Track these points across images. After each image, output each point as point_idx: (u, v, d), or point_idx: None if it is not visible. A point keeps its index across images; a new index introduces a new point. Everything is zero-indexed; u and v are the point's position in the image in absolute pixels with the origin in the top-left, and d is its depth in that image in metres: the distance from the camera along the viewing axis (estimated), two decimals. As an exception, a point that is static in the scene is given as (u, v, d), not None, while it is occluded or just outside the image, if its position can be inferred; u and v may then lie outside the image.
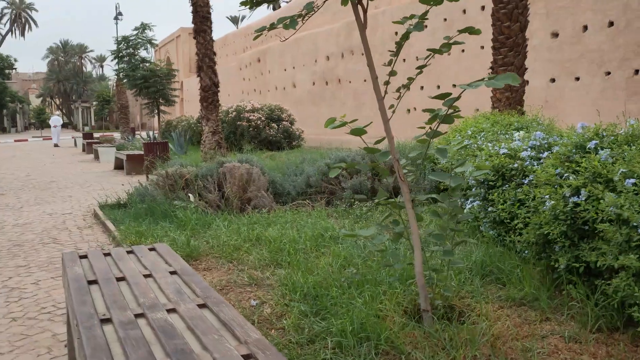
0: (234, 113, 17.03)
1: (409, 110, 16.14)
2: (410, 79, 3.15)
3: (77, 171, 14.73)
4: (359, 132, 3.33)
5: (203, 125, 13.96)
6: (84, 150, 23.56)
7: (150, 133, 23.67)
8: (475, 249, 4.33)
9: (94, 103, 61.67)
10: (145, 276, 2.64)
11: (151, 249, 3.20)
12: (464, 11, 13.85)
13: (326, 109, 20.35)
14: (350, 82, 18.84)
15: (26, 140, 38.58)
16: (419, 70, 3.23)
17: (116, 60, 19.18)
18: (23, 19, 69.18)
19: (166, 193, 7.13)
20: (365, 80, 17.99)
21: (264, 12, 66.55)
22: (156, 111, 19.42)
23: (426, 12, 3.05)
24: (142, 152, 13.01)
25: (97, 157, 18.84)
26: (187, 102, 36.54)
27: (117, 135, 37.97)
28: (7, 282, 4.60)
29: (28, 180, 12.65)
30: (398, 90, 3.32)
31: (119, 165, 14.51)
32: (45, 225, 7.01)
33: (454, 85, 14.36)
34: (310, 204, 6.89)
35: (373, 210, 6.30)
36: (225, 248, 4.94)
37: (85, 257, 3.04)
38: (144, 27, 18.79)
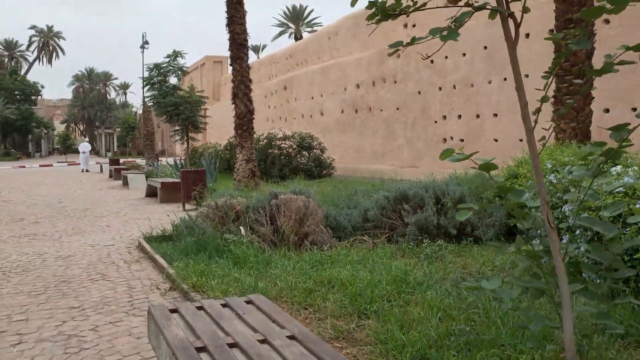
0: (265, 141, 16.70)
1: (445, 140, 15.68)
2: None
3: (109, 198, 14.41)
4: (487, 167, 2.84)
5: (237, 153, 13.61)
6: (111, 176, 23.36)
7: (177, 160, 23.43)
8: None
9: (117, 129, 62.16)
10: (260, 341, 2.17)
11: (248, 302, 2.73)
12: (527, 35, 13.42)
13: (355, 137, 19.97)
14: (381, 110, 18.47)
15: (51, 165, 38.70)
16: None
17: (148, 86, 19.03)
18: (51, 47, 70.46)
19: (216, 226, 6.69)
20: (398, 109, 17.60)
21: (286, 42, 67.05)
22: (185, 138, 19.16)
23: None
24: (176, 180, 12.65)
25: (125, 184, 18.56)
26: (211, 129, 36.46)
27: (139, 161, 37.97)
28: (62, 328, 4.15)
29: (62, 207, 12.33)
30: (546, 108, 2.83)
31: (151, 193, 14.16)
32: (90, 259, 6.58)
33: (495, 115, 13.91)
34: (369, 240, 6.40)
35: (444, 250, 5.78)
36: (297, 292, 4.45)
37: (175, 311, 2.58)
38: (175, 54, 18.68)
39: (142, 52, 44.25)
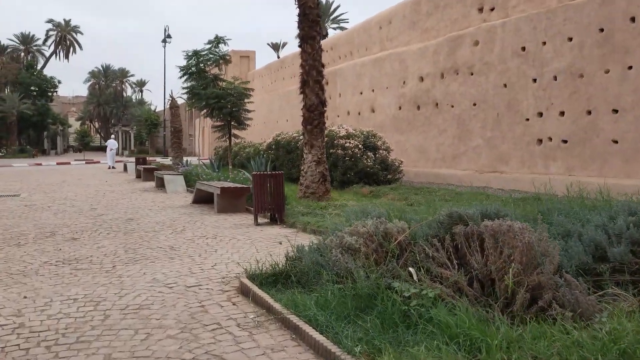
0: (325, 139, 14.27)
1: (540, 141, 13.17)
2: None
3: (148, 204, 12.03)
4: None
5: (305, 153, 11.22)
6: (139, 176, 21.03)
7: (211, 159, 21.08)
8: None
9: (134, 127, 60.10)
10: None
11: None
12: (633, 19, 10.97)
13: (417, 136, 17.50)
14: (452, 106, 15.98)
15: (68, 163, 36.53)
16: None
17: (185, 76, 16.66)
18: (68, 42, 68.33)
19: (369, 264, 4.26)
20: (474, 104, 15.12)
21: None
22: (227, 135, 16.78)
23: None
24: (240, 186, 10.27)
25: (160, 186, 16.20)
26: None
27: (160, 160, 35.69)
28: None
29: (98, 216, 9.95)
30: None
31: (200, 199, 11.77)
32: (177, 315, 4.16)
33: (615, 111, 11.41)
34: (629, 296, 3.93)
35: None
36: None
37: None
38: (218, 40, 16.30)
39: (164, 46, 42.11)
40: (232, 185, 10.44)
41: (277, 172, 8.60)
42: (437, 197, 10.75)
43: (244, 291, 4.61)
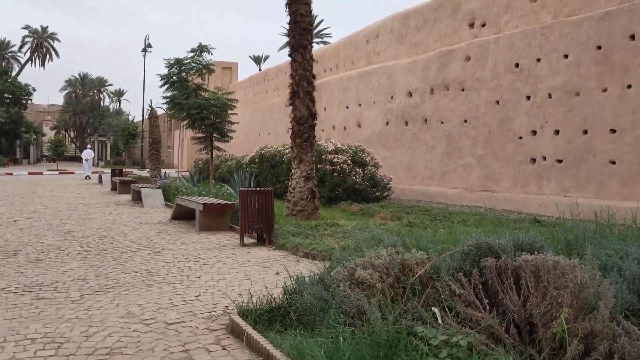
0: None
1: (534, 160, 12.75)
2: None
3: (123, 219, 11.23)
4: None
5: (293, 168, 10.57)
6: (114, 189, 20.11)
7: (191, 172, 20.29)
8: None
9: (111, 137, 58.80)
10: None
11: None
12: (633, 37, 10.64)
13: (404, 153, 16.99)
14: (442, 122, 15.54)
15: (41, 173, 35.21)
16: None
17: (166, 85, 15.92)
18: (44, 49, 66.73)
19: (384, 301, 3.62)
20: (465, 121, 14.68)
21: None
22: (209, 147, 16.03)
23: None
24: (225, 202, 9.56)
25: (137, 200, 15.37)
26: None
27: (137, 171, 34.65)
28: None
29: (67, 233, 9.13)
30: None
31: (180, 215, 11.01)
32: (156, 364, 3.46)
33: (613, 131, 11.03)
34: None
35: None
36: None
37: None
38: (201, 49, 15.61)
39: (144, 55, 41.21)
40: (215, 201, 9.71)
41: (265, 189, 7.92)
42: (431, 217, 10.19)
43: (235, 331, 3.92)
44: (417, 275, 3.71)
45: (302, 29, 10.16)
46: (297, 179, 10.39)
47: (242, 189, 7.93)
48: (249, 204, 7.78)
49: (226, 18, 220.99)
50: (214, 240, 8.37)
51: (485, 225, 9.19)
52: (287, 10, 10.27)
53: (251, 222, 7.78)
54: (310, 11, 10.25)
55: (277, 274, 5.13)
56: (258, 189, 7.93)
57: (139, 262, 6.65)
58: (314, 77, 10.51)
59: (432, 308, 3.54)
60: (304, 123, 10.34)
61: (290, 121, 10.56)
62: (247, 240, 8.05)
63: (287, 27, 10.42)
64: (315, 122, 10.54)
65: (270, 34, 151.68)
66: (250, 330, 3.70)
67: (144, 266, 6.42)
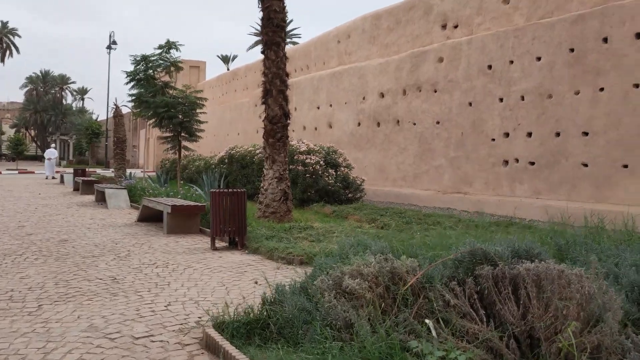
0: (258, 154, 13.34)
1: (506, 162, 12.71)
2: None
3: (86, 221, 10.68)
4: None
5: (265, 168, 10.23)
6: (76, 189, 19.35)
7: (158, 172, 19.69)
8: None
9: (73, 136, 57.17)
10: None
11: None
12: (606, 40, 10.67)
13: (377, 154, 16.82)
14: (414, 124, 15.41)
15: (-1, 172, 33.80)
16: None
17: (132, 83, 15.34)
18: (4, 44, 64.37)
19: (374, 312, 3.33)
20: (438, 123, 14.58)
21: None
22: (177, 147, 15.51)
23: None
24: (195, 204, 9.14)
25: (101, 201, 14.75)
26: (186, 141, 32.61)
27: (100, 171, 33.64)
28: None
29: (26, 237, 8.57)
30: None
31: (146, 217, 10.54)
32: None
33: (585, 134, 11.04)
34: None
35: None
36: None
37: None
38: (169, 45, 15.09)
39: (109, 52, 40.12)
40: (184, 202, 9.29)
41: (238, 190, 7.56)
42: (406, 219, 9.99)
43: (210, 346, 3.57)
44: (409, 284, 3.44)
45: (275, 25, 9.84)
46: (270, 179, 10.05)
47: (213, 190, 7.56)
48: (221, 206, 7.41)
49: (194, 17, 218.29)
50: (183, 244, 7.96)
51: (464, 228, 9.05)
52: (260, 6, 9.92)
53: (223, 224, 7.41)
54: (284, 7, 9.94)
55: (256, 282, 4.78)
56: (230, 190, 7.56)
57: (102, 268, 6.21)
58: (287, 75, 10.19)
59: (426, 320, 3.28)
60: (276, 122, 10.01)
61: (263, 120, 10.22)
62: (218, 243, 7.67)
63: (260, 23, 10.07)
64: (288, 121, 10.22)
65: (238, 33, 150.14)
66: (227, 345, 3.37)
67: (109, 272, 5.99)
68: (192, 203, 9.24)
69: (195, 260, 6.68)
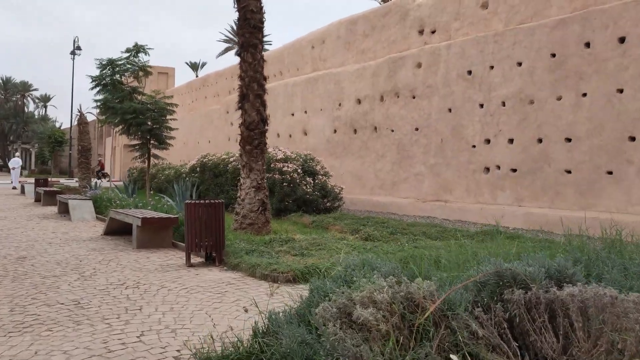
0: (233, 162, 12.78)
1: (487, 169, 12.43)
2: None
3: (48, 235, 9.89)
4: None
5: (242, 177, 9.65)
6: (38, 200, 18.33)
7: (125, 182, 18.84)
8: None
9: (36, 145, 55.25)
10: None
11: None
12: (588, 44, 10.49)
13: (353, 161, 16.40)
14: (392, 130, 15.05)
15: (-44, 182, 32.14)
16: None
17: (97, 88, 14.55)
18: (-39, 51, 61.90)
19: (391, 347, 2.83)
20: (417, 129, 14.24)
21: (233, 59, 63.34)
22: (145, 155, 14.76)
23: None
24: (167, 216, 8.48)
25: (62, 212, 13.89)
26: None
27: (64, 181, 32.36)
28: None
29: (-21, 254, 7.79)
30: None
31: (113, 230, 9.82)
32: None
33: (568, 140, 10.82)
34: None
35: None
36: None
37: None
38: (137, 49, 14.37)
39: (73, 58, 38.83)
40: (155, 215, 8.62)
41: (215, 201, 6.96)
42: (390, 229, 9.54)
43: (194, 390, 3.00)
44: (429, 312, 2.94)
45: (252, 26, 9.30)
46: (247, 189, 9.47)
47: (188, 201, 6.95)
48: (196, 219, 6.81)
49: (161, 23, 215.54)
50: (154, 260, 7.31)
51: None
52: (236, 6, 9.38)
53: (199, 239, 6.80)
54: (261, 7, 9.41)
55: (245, 310, 4.18)
56: (206, 201, 6.96)
57: (65, 290, 5.54)
58: (265, 79, 9.65)
59: (451, 356, 2.79)
60: (254, 129, 9.45)
61: (239, 126, 9.65)
62: (193, 259, 7.06)
63: (236, 24, 9.52)
64: (266, 127, 9.67)
65: (207, 40, 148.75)
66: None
67: (72, 295, 5.33)
68: (164, 215, 8.59)
69: (170, 279, 6.06)
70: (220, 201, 7.01)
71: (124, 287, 5.66)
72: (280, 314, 3.50)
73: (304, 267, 5.99)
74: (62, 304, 5.01)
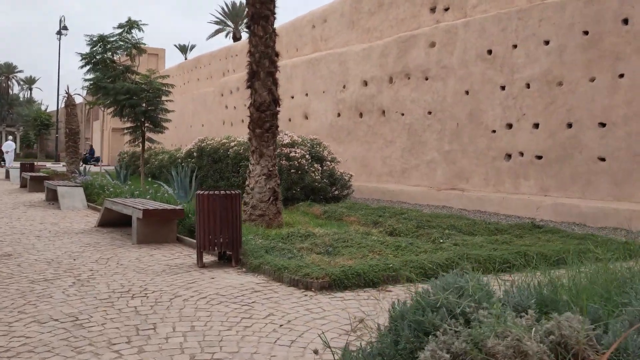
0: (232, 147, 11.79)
1: (509, 156, 11.57)
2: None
3: (36, 227, 8.86)
4: None
5: (252, 164, 8.67)
6: (24, 186, 17.20)
7: (117, 167, 17.75)
8: None
9: (21, 128, 53.55)
10: None
11: None
12: (626, 21, 9.59)
13: (359, 147, 15.47)
14: (402, 114, 14.12)
15: (-63, 167, 30.68)
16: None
17: (88, 66, 13.40)
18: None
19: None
20: (429, 113, 13.32)
21: (223, 41, 61.73)
22: (140, 139, 13.69)
23: None
24: (171, 208, 7.49)
25: (50, 199, 12.83)
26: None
27: (50, 165, 31.08)
28: None
29: (-44, 250, 6.76)
30: None
31: (108, 221, 8.82)
32: None
33: (602, 125, 9.97)
34: None
35: None
36: None
37: None
38: (131, 24, 13.21)
39: (59, 38, 37.25)
40: (158, 206, 7.61)
41: (232, 192, 6.00)
42: (415, 222, 8.60)
43: None
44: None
45: (263, -5, 8.26)
46: (257, 177, 8.50)
47: (200, 192, 5.96)
48: (210, 212, 5.84)
49: (149, 6, 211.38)
50: (159, 259, 6.35)
51: (479, 232, 7.64)
52: (246, -28, 8.32)
53: (213, 235, 5.84)
54: (274, -26, 8.37)
55: (316, 353, 3.17)
56: (222, 192, 5.99)
57: (59, 301, 4.57)
58: (277, 55, 8.65)
59: None
60: (265, 110, 8.46)
61: (249, 107, 8.65)
62: (205, 258, 6.11)
63: (245, -7, 8.48)
64: (278, 108, 8.69)
65: (195, 22, 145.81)
66: None
67: (68, 308, 4.36)
68: (168, 206, 7.59)
69: (182, 285, 5.10)
70: (237, 192, 6.04)
71: (129, 296, 4.70)
72: (360, 353, 2.57)
73: (340, 271, 5.07)
74: (56, 320, 4.04)
